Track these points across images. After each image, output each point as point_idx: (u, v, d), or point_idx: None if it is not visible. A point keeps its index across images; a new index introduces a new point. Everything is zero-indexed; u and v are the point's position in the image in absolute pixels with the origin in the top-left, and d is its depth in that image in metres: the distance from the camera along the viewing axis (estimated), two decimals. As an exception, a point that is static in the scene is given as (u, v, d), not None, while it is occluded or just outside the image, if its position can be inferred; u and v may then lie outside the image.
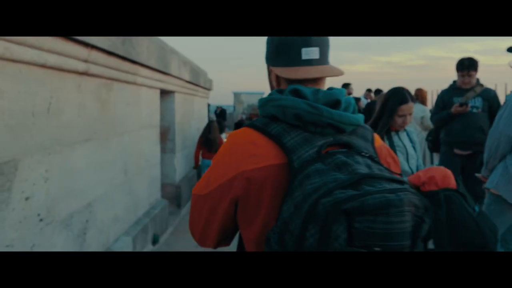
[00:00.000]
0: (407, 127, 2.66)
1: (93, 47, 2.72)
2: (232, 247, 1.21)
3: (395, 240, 0.83)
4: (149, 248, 4.25)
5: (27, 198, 2.17)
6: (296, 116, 1.00)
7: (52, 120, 2.41)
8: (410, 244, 0.86)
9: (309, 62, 1.09)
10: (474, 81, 4.12)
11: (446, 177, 2.26)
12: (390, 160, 1.17)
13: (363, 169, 0.90)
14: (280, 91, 1.09)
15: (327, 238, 0.81)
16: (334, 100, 1.04)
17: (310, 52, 1.09)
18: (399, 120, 2.52)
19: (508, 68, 2.80)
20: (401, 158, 2.53)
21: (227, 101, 22.68)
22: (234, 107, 21.31)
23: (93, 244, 3.01)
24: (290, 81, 1.12)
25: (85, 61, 2.71)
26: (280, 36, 1.13)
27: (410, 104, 2.51)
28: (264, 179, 0.99)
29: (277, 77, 1.17)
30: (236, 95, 21.21)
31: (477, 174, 3.02)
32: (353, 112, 1.08)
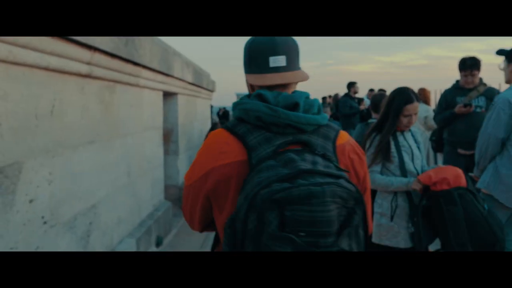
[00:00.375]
0: (412, 127, 2.65)
1: (96, 49, 2.73)
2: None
3: (319, 227, 0.93)
4: (153, 250, 4.25)
5: (31, 201, 2.18)
6: (257, 117, 1.12)
7: (56, 123, 2.42)
8: (336, 231, 0.95)
9: (276, 69, 1.18)
10: (477, 80, 4.10)
11: (458, 177, 2.28)
12: (354, 156, 1.23)
13: (306, 165, 1.01)
14: (249, 96, 1.21)
15: (262, 224, 0.93)
16: (293, 102, 1.13)
17: (277, 60, 1.18)
18: (404, 120, 2.52)
19: None
20: (406, 158, 2.53)
21: (230, 103, 22.67)
22: (237, 108, 21.28)
23: (97, 246, 3.02)
24: (261, 87, 1.22)
25: (88, 63, 2.72)
26: (251, 46, 1.23)
27: (416, 103, 2.51)
28: (231, 174, 1.12)
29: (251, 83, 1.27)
30: (240, 97, 21.21)
31: (470, 174, 3.06)
32: (319, 113, 1.17)
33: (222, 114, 18.36)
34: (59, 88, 2.46)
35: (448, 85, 4.41)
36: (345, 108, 7.54)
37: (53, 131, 2.40)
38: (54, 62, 2.31)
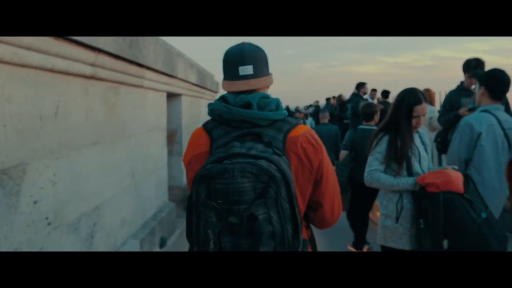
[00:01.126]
0: (420, 129, 2.64)
1: (100, 51, 2.73)
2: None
3: (231, 196, 1.13)
4: (156, 251, 4.26)
5: (35, 202, 2.18)
6: (219, 115, 1.36)
7: (60, 124, 2.43)
8: (251, 200, 1.13)
9: (245, 77, 1.38)
10: (481, 81, 4.08)
11: (449, 182, 2.29)
12: (307, 146, 1.36)
13: (240, 150, 1.21)
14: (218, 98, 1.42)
15: (197, 195, 1.18)
16: (246, 102, 1.33)
17: (245, 70, 1.37)
18: (413, 121, 2.51)
19: None
20: (413, 160, 2.52)
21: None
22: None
23: (101, 247, 3.03)
24: (232, 92, 1.41)
25: (92, 65, 2.73)
26: (226, 57, 1.41)
27: (424, 104, 2.49)
28: (201, 161, 1.33)
29: None
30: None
31: None
32: (277, 109, 1.36)
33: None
34: (64, 89, 2.46)
35: (453, 86, 4.39)
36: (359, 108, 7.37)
37: (57, 133, 2.41)
38: (58, 63, 2.32)
